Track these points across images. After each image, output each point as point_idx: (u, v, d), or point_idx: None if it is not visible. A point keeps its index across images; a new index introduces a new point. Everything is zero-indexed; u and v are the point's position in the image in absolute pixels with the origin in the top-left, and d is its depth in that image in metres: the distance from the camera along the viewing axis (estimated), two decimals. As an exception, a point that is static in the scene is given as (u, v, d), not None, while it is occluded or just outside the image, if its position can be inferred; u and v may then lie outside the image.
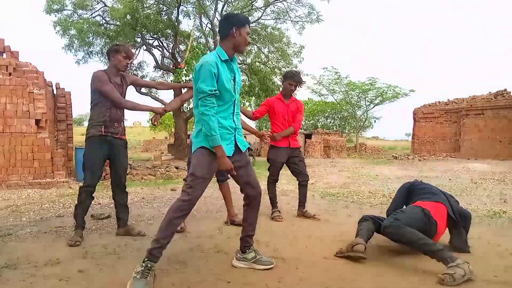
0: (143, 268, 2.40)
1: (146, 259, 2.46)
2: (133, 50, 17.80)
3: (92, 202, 3.79)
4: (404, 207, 3.44)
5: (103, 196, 6.48)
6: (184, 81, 15.97)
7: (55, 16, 16.65)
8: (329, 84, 34.45)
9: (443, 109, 24.97)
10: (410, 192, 3.62)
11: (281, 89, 4.79)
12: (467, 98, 24.27)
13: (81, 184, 3.72)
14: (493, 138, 22.04)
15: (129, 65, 3.78)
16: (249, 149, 2.89)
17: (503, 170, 13.16)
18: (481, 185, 8.89)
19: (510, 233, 3.93)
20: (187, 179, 2.70)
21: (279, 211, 4.62)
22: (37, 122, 8.25)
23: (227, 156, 2.63)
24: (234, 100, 2.74)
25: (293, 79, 4.59)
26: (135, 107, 3.73)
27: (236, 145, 2.76)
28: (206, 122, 2.55)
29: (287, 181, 8.25)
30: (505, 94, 22.56)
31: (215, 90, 2.57)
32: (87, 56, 17.82)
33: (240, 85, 2.88)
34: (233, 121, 2.76)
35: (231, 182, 4.27)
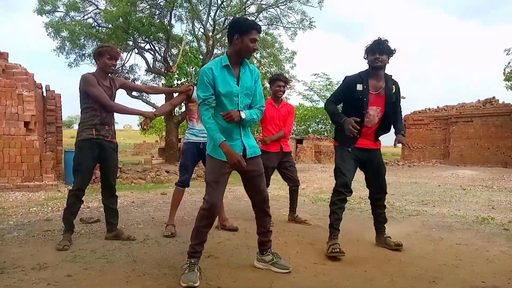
0: (188, 264, 2.64)
1: (188, 258, 2.69)
2: (125, 53, 17.75)
3: (81, 206, 3.76)
4: None
5: (92, 199, 6.41)
6: (176, 85, 15.93)
7: (47, 17, 16.54)
8: (320, 90, 34.60)
9: (433, 116, 25.23)
10: None
11: None
12: (457, 106, 24.57)
13: (70, 187, 3.68)
14: (481, 145, 22.33)
15: (115, 66, 3.75)
16: None
17: (491, 177, 13.33)
18: (470, 191, 8.99)
19: (499, 239, 3.97)
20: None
21: (270, 216, 4.61)
22: (26, 124, 8.15)
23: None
24: (238, 104, 2.75)
25: (279, 79, 4.61)
26: (124, 111, 3.71)
27: (244, 150, 2.79)
28: (205, 126, 2.71)
29: (278, 186, 8.25)
30: (493, 102, 22.89)
31: (209, 96, 2.67)
32: (79, 58, 17.70)
33: (251, 90, 2.82)
34: (239, 126, 2.77)
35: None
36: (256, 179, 2.87)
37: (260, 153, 2.93)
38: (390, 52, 3.38)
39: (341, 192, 3.38)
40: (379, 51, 3.33)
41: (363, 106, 3.35)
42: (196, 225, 2.73)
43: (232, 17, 17.00)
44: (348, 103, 3.48)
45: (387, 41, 3.35)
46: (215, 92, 2.69)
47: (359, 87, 3.36)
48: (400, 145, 3.46)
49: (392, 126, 3.54)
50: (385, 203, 3.69)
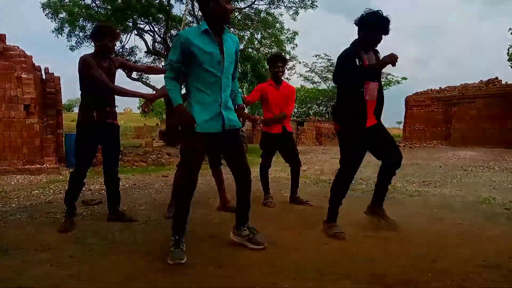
0: (173, 240, 2.67)
1: (172, 235, 2.71)
2: (124, 35, 17.52)
3: (83, 188, 3.76)
4: None
5: (94, 182, 6.43)
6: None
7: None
8: (322, 72, 34.32)
9: (434, 97, 25.05)
10: None
11: None
12: (459, 86, 24.37)
13: (71, 170, 3.67)
14: (483, 126, 22.22)
15: (115, 46, 3.68)
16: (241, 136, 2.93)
17: (493, 158, 13.31)
18: (471, 172, 8.98)
19: (500, 219, 3.97)
20: None
21: (272, 197, 4.62)
22: (26, 107, 8.10)
23: (213, 133, 2.67)
24: (221, 74, 2.67)
25: (278, 60, 4.54)
26: (124, 92, 3.66)
27: (223, 123, 2.71)
28: (166, 87, 2.70)
29: (279, 168, 8.25)
30: (496, 83, 22.69)
31: (176, 61, 2.62)
32: (81, 41, 17.47)
33: (233, 58, 2.76)
34: (220, 96, 2.69)
35: (224, 169, 4.25)
36: (236, 153, 2.83)
37: (241, 126, 2.89)
38: (388, 33, 3.16)
39: (346, 184, 3.31)
40: (385, 32, 3.13)
41: (361, 81, 3.17)
42: (176, 196, 2.82)
43: (232, -4, 16.68)
44: (349, 82, 3.26)
45: (389, 21, 3.12)
46: (194, 61, 2.60)
47: (358, 62, 3.16)
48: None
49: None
50: None
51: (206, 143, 2.72)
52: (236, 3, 17.12)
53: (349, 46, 3.28)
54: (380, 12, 3.11)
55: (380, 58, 3.20)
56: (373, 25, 3.10)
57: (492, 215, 4.15)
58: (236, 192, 2.95)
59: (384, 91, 3.40)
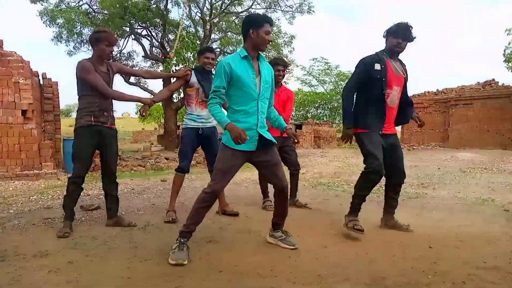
0: (177, 243, 2.74)
1: (178, 237, 2.78)
2: (121, 40, 17.52)
3: (81, 193, 3.74)
4: None
5: (92, 187, 6.41)
6: (174, 71, 15.77)
7: (41, 5, 16.26)
8: (319, 75, 34.47)
9: (432, 99, 25.11)
10: None
11: None
12: (456, 88, 24.43)
13: (69, 175, 3.66)
14: (481, 127, 22.28)
15: (113, 52, 3.68)
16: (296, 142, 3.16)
17: (491, 159, 13.33)
18: (470, 173, 8.99)
19: (499, 220, 3.98)
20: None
21: (271, 201, 4.60)
22: (24, 112, 8.09)
23: (249, 152, 2.84)
24: (258, 97, 2.83)
25: (278, 63, 4.55)
26: (122, 97, 3.66)
27: (261, 141, 2.87)
28: (213, 116, 2.80)
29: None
30: (493, 84, 22.76)
31: (220, 88, 2.76)
32: (78, 45, 17.47)
33: (269, 82, 2.93)
34: (257, 118, 2.84)
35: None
36: (274, 168, 2.96)
37: (276, 142, 3.00)
38: (412, 40, 3.37)
39: (373, 180, 3.31)
40: (403, 37, 3.33)
41: (382, 85, 3.33)
42: (195, 206, 2.82)
43: (229, 0, 16.77)
44: (368, 84, 3.40)
45: (411, 27, 3.34)
46: (235, 84, 2.77)
47: (377, 66, 3.33)
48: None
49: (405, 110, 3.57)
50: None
51: (242, 159, 2.86)
52: (233, 7, 17.19)
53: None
54: (406, 23, 3.35)
55: (406, 71, 3.50)
56: (393, 31, 3.36)
57: (491, 217, 4.15)
58: (274, 202, 3.12)
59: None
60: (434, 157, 14.91)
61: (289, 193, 3.12)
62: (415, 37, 3.37)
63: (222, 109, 2.90)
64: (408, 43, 3.39)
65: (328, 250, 2.98)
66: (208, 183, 2.84)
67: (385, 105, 3.35)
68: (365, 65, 3.39)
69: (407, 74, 3.51)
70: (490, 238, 3.32)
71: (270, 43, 2.91)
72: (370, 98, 3.40)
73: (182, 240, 2.76)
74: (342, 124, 3.59)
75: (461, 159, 13.55)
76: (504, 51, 21.83)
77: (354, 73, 3.50)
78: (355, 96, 3.49)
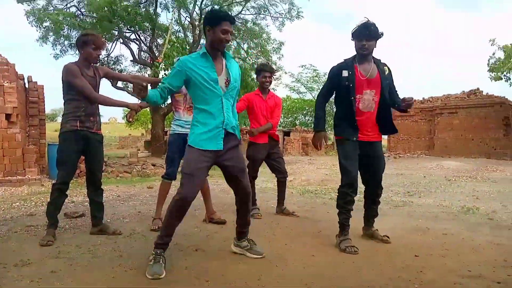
0: (154, 254, 2.63)
1: (154, 249, 2.68)
2: (110, 44, 17.39)
3: (66, 200, 3.67)
4: None
5: (77, 194, 6.30)
6: (163, 75, 15.67)
7: (28, 5, 16.06)
8: (308, 82, 34.70)
9: (418, 108, 25.47)
10: None
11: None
12: (442, 97, 24.86)
13: (54, 181, 3.59)
14: (466, 136, 22.67)
15: (100, 56, 3.65)
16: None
17: (475, 168, 13.56)
18: (455, 182, 9.12)
19: (484, 229, 4.02)
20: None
21: (258, 209, 4.60)
22: (8, 116, 7.93)
23: (217, 150, 2.73)
24: (222, 95, 2.75)
25: (265, 70, 4.56)
26: (109, 102, 3.61)
27: (227, 143, 2.78)
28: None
29: (266, 179, 8.23)
30: (477, 93, 23.23)
31: (166, 83, 2.74)
32: (65, 49, 17.29)
33: (237, 81, 2.86)
34: (223, 115, 2.75)
35: (210, 180, 4.23)
36: (238, 174, 2.87)
37: (239, 138, 2.92)
38: (378, 37, 3.25)
39: (347, 194, 3.24)
40: (366, 37, 3.20)
41: (350, 92, 3.26)
42: (166, 215, 2.72)
43: (219, 6, 16.79)
44: (338, 91, 3.40)
45: (374, 25, 3.19)
46: (194, 83, 2.70)
47: (345, 73, 3.26)
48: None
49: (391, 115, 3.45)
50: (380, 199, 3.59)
51: (209, 160, 2.75)
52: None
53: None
54: (365, 20, 3.21)
55: (385, 70, 3.35)
56: (356, 34, 3.24)
57: (476, 225, 4.21)
58: (236, 209, 3.03)
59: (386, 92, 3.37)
60: (420, 165, 15.10)
61: (251, 201, 3.01)
62: (381, 33, 3.22)
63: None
64: (376, 41, 3.26)
65: (315, 259, 2.98)
66: (177, 191, 2.71)
67: (355, 111, 3.26)
68: (332, 73, 3.38)
69: (388, 74, 3.36)
70: (475, 246, 3.36)
71: (227, 43, 2.78)
72: (341, 105, 3.39)
73: (158, 252, 2.65)
74: (335, 122, 3.49)
75: (446, 168, 13.74)
76: (489, 60, 22.29)
77: (326, 80, 3.54)
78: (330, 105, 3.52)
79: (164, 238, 2.71)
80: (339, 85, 3.32)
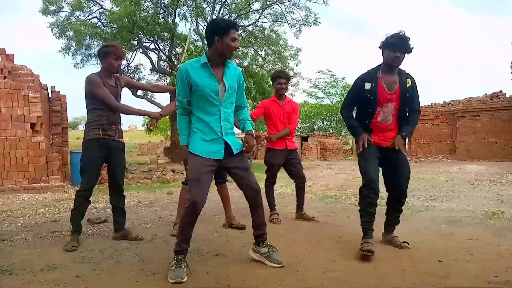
0: (175, 260, 2.66)
1: (174, 255, 2.71)
2: (129, 53, 17.75)
3: (89, 206, 3.75)
4: None
5: (99, 200, 6.43)
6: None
7: (52, 17, 16.61)
8: (325, 87, 34.61)
9: (439, 111, 25.04)
10: None
11: None
12: (463, 100, 24.36)
13: (77, 188, 3.68)
14: (488, 139, 22.13)
15: (121, 65, 3.73)
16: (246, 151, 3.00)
17: (499, 171, 13.20)
18: (478, 186, 8.90)
19: (510, 234, 3.91)
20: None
21: (278, 214, 4.59)
22: (32, 126, 8.18)
23: (218, 159, 2.79)
24: (220, 104, 2.79)
25: (280, 76, 4.57)
26: (130, 111, 3.70)
27: (228, 148, 2.83)
28: (178, 126, 2.87)
29: (284, 184, 8.21)
30: (500, 96, 22.68)
31: (182, 98, 2.80)
32: (85, 59, 17.78)
33: (234, 88, 2.87)
34: (220, 125, 2.80)
35: (230, 186, 4.25)
36: (242, 173, 2.89)
37: (242, 149, 2.93)
38: (410, 51, 3.22)
39: (366, 196, 3.19)
40: (400, 49, 3.16)
41: (371, 104, 3.23)
42: (180, 222, 2.79)
43: (237, 14, 16.95)
44: (360, 103, 3.36)
45: (409, 39, 3.16)
46: (194, 92, 2.74)
47: (367, 85, 3.23)
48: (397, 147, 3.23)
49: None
50: (403, 208, 3.51)
51: (213, 166, 2.80)
52: (240, 21, 17.37)
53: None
54: (401, 32, 3.18)
55: (407, 83, 3.28)
56: (391, 45, 3.18)
57: (501, 230, 4.09)
58: (250, 212, 3.03)
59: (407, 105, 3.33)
60: (442, 169, 14.80)
61: (262, 200, 3.00)
62: (413, 48, 3.20)
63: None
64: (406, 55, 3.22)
65: (336, 264, 2.95)
66: (188, 197, 2.76)
67: (371, 123, 3.27)
68: (356, 85, 3.35)
69: (410, 87, 3.29)
70: (501, 251, 3.26)
71: (236, 50, 2.84)
72: (360, 115, 3.38)
73: (179, 257, 2.69)
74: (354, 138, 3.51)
75: (469, 171, 13.43)
76: (511, 62, 21.72)
77: (348, 92, 3.49)
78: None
79: (181, 245, 2.74)
80: (361, 96, 3.30)
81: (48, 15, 16.42)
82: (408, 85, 3.28)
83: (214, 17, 17.59)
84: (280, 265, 2.87)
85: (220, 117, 2.80)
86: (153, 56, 19.29)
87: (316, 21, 17.79)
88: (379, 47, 3.29)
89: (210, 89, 2.73)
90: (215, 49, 2.75)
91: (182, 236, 2.75)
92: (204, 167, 2.73)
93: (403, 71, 3.34)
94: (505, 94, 22.70)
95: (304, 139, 28.59)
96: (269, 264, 2.90)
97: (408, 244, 3.35)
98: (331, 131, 38.50)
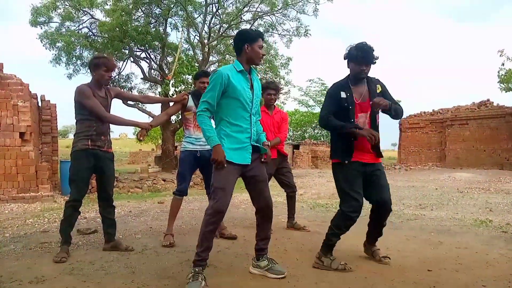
0: (192, 273, 2.62)
1: (192, 267, 2.68)
2: (120, 62, 17.72)
3: (78, 217, 3.72)
4: None
5: (89, 210, 6.36)
6: (173, 92, 15.90)
7: (41, 28, 16.49)
8: (316, 95, 34.78)
9: (428, 119, 25.33)
10: None
11: None
12: (452, 109, 24.70)
13: (66, 197, 3.65)
14: (477, 147, 22.43)
15: (111, 77, 3.73)
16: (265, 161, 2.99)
17: (488, 179, 13.36)
18: (467, 194, 9.01)
19: (498, 242, 3.97)
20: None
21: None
22: (22, 135, 8.09)
23: (243, 165, 2.82)
24: (251, 111, 2.87)
25: (270, 87, 4.62)
26: (120, 122, 3.69)
27: (254, 154, 2.90)
28: (202, 127, 2.77)
29: (276, 193, 8.21)
30: (488, 104, 23.03)
31: (213, 101, 2.77)
32: (78, 69, 17.68)
33: (259, 96, 3.00)
34: (251, 131, 2.87)
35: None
36: (260, 184, 2.93)
37: (266, 150, 2.97)
38: (374, 62, 3.08)
39: (350, 218, 3.05)
40: (365, 62, 3.05)
41: (350, 114, 3.07)
42: (201, 230, 2.73)
43: (228, 24, 17.04)
44: (336, 113, 3.12)
45: (373, 50, 3.03)
46: (230, 95, 2.77)
47: (343, 94, 3.10)
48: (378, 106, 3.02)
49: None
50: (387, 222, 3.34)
51: (238, 173, 2.83)
52: (231, 31, 17.47)
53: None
54: (364, 43, 3.07)
55: (377, 89, 3.17)
56: (355, 58, 3.07)
57: (490, 239, 4.15)
58: (257, 223, 3.03)
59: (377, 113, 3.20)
60: (432, 177, 14.93)
61: (272, 214, 3.00)
62: (377, 57, 3.06)
63: (213, 121, 2.90)
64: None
65: (327, 274, 2.96)
66: (209, 204, 2.75)
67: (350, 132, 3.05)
68: (332, 91, 3.19)
69: (380, 92, 3.15)
70: (489, 260, 3.31)
71: (263, 57, 2.95)
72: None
73: (196, 270, 2.64)
74: (332, 144, 3.28)
75: (458, 179, 13.58)
76: (498, 72, 22.12)
77: (325, 101, 3.26)
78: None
79: (201, 254, 2.69)
80: (338, 105, 3.12)
81: (37, 26, 16.27)
82: (378, 91, 3.18)
83: (205, 27, 17.70)
84: (282, 276, 2.87)
85: (251, 123, 2.87)
86: (144, 65, 19.27)
87: (307, 33, 17.91)
88: (344, 58, 3.18)
89: (246, 95, 2.82)
90: (245, 57, 2.85)
91: (203, 245, 2.70)
92: (231, 176, 2.77)
93: (370, 78, 3.22)
94: (493, 102, 23.06)
95: (296, 147, 28.66)
96: (271, 276, 2.87)
97: (390, 258, 3.25)
98: (322, 139, 38.61)
